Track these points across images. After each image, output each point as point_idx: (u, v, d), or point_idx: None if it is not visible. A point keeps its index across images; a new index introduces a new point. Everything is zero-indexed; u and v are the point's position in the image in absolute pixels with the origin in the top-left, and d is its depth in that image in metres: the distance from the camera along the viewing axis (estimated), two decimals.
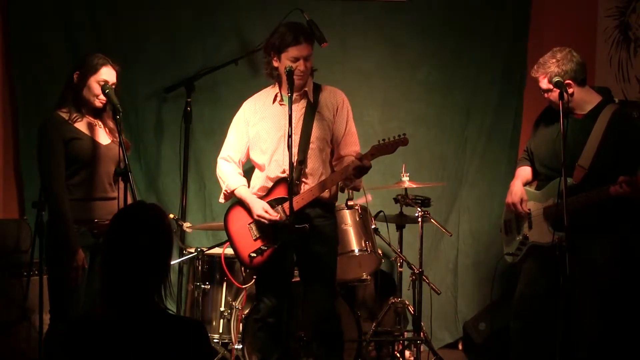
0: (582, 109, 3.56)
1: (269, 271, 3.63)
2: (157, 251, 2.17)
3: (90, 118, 3.50)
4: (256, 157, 3.69)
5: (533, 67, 3.59)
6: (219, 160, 3.76)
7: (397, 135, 3.53)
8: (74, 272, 3.33)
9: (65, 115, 3.43)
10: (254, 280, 3.96)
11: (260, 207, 3.57)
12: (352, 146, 3.67)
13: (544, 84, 3.53)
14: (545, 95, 3.57)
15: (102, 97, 3.45)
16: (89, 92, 3.44)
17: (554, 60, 3.51)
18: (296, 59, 3.52)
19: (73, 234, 3.36)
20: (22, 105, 4.85)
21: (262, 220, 3.56)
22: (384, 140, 3.51)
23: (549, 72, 3.51)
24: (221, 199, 3.78)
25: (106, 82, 3.43)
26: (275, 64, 3.60)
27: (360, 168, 3.45)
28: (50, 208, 3.42)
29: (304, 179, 3.60)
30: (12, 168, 4.90)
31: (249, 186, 3.72)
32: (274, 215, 3.55)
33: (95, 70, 3.42)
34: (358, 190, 3.81)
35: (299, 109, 3.62)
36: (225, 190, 3.71)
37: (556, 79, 3.47)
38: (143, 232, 2.16)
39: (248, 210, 3.63)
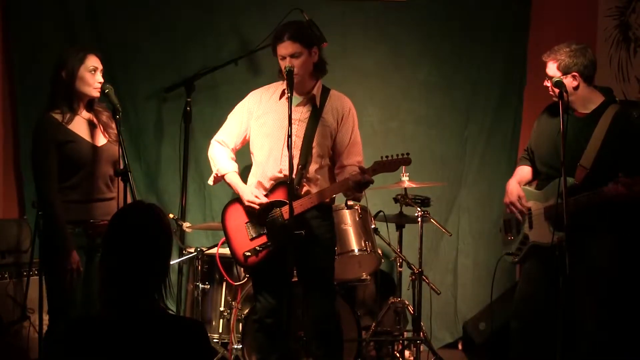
0: (585, 107, 3.56)
1: (266, 272, 3.63)
2: (156, 251, 2.16)
3: (84, 114, 3.49)
4: (255, 151, 3.67)
5: (544, 53, 3.57)
6: (212, 141, 3.75)
7: (401, 154, 3.49)
8: (68, 274, 3.33)
9: (58, 117, 3.41)
10: (250, 279, 3.95)
11: (249, 193, 3.56)
12: (356, 156, 3.64)
13: (551, 70, 3.52)
14: (546, 82, 3.55)
15: (97, 85, 3.44)
16: (82, 83, 3.42)
17: (567, 50, 3.50)
18: (283, 57, 3.51)
19: (67, 236, 3.35)
20: (22, 105, 4.85)
21: (252, 205, 3.55)
22: (387, 157, 3.48)
23: (559, 59, 3.50)
24: (210, 181, 3.77)
25: (96, 68, 3.43)
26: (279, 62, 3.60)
27: (361, 183, 3.42)
28: (43, 211, 3.42)
29: (304, 183, 3.59)
30: (12, 168, 4.89)
31: (245, 183, 3.71)
32: (263, 199, 3.54)
33: (81, 60, 3.41)
34: (359, 200, 3.80)
35: (305, 111, 3.60)
36: (216, 174, 3.70)
37: (556, 78, 3.48)
38: (142, 232, 2.15)
39: (245, 208, 3.62)
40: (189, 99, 4.70)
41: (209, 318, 4.40)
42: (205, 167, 4.77)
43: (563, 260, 3.20)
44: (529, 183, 3.79)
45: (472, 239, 5.13)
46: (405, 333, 4.50)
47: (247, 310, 4.15)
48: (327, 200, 3.62)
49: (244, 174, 3.79)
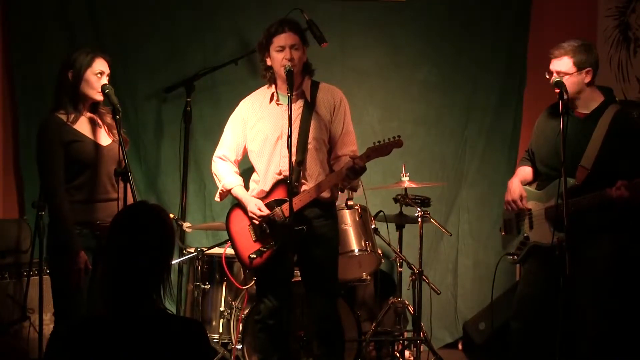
0: (586, 107, 3.55)
1: (269, 272, 3.63)
2: (158, 252, 2.17)
3: (89, 115, 3.48)
4: (254, 158, 3.68)
5: (555, 49, 3.51)
6: (214, 158, 3.76)
7: (392, 137, 3.51)
8: (76, 275, 3.31)
9: (63, 117, 3.40)
10: (254, 280, 3.95)
11: (254, 205, 3.57)
12: (350, 146, 3.66)
13: (566, 65, 3.47)
14: (563, 77, 3.48)
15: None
16: (87, 86, 3.41)
17: (579, 45, 3.46)
18: (282, 48, 3.51)
19: (74, 236, 3.34)
20: (22, 105, 4.85)
21: (254, 217, 3.56)
22: (379, 142, 3.50)
23: (575, 54, 3.46)
24: (217, 198, 3.79)
25: (102, 72, 3.42)
26: (268, 62, 3.59)
27: (354, 169, 3.43)
28: (51, 211, 3.41)
29: (303, 180, 3.59)
30: (12, 168, 4.90)
31: (247, 187, 3.72)
32: (265, 212, 3.55)
33: (89, 63, 3.40)
34: (356, 190, 3.81)
35: (296, 108, 3.60)
36: (222, 189, 3.71)
37: (556, 78, 3.47)
38: (145, 233, 2.16)
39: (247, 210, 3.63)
40: (188, 99, 4.69)
41: (209, 318, 4.40)
42: (205, 167, 4.79)
43: (563, 261, 3.20)
44: (529, 184, 3.79)
45: (472, 239, 5.13)
46: (405, 333, 4.50)
47: (247, 311, 4.15)
48: (328, 194, 3.62)
49: (245, 175, 3.79)
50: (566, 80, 3.47)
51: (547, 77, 3.54)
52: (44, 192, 3.43)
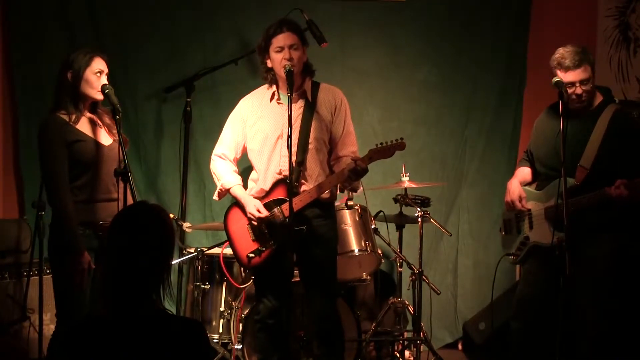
0: (587, 108, 3.56)
1: (268, 272, 3.63)
2: (158, 252, 2.17)
3: (88, 115, 3.48)
4: (254, 157, 3.68)
5: (563, 62, 3.46)
6: (213, 157, 3.76)
7: (395, 140, 3.51)
8: (79, 275, 3.31)
9: (65, 117, 3.40)
10: (251, 280, 3.95)
11: (253, 206, 3.57)
12: (350, 146, 3.66)
13: (588, 72, 3.45)
14: (582, 87, 3.46)
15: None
16: (87, 85, 3.41)
17: (582, 49, 3.46)
18: (281, 49, 3.50)
19: (78, 236, 3.33)
20: (22, 105, 4.85)
21: (252, 218, 3.56)
22: (381, 144, 3.49)
23: (590, 61, 3.47)
24: (215, 197, 3.78)
25: (101, 71, 3.42)
26: (269, 64, 3.59)
27: (355, 171, 3.43)
28: (55, 210, 3.40)
29: (302, 180, 3.59)
30: (12, 168, 4.90)
31: (245, 186, 3.72)
32: (264, 213, 3.55)
33: (87, 63, 3.40)
34: (356, 191, 3.80)
35: (297, 108, 3.59)
36: (220, 189, 3.71)
37: (556, 78, 3.47)
38: (145, 233, 2.16)
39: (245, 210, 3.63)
40: (188, 99, 4.70)
41: (209, 318, 4.40)
42: (205, 167, 4.78)
43: (563, 261, 3.20)
44: (529, 184, 3.79)
45: (472, 239, 5.13)
46: (405, 333, 4.50)
47: (246, 311, 4.15)
48: (327, 195, 3.61)
49: (244, 174, 3.80)
50: (589, 86, 3.47)
51: (571, 90, 3.46)
52: (47, 193, 3.42)
